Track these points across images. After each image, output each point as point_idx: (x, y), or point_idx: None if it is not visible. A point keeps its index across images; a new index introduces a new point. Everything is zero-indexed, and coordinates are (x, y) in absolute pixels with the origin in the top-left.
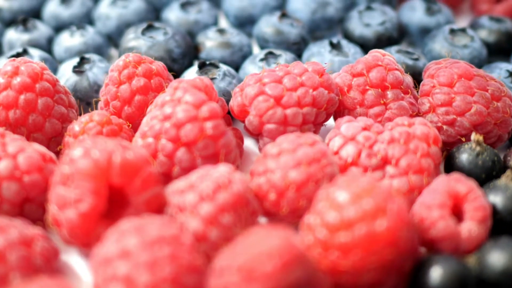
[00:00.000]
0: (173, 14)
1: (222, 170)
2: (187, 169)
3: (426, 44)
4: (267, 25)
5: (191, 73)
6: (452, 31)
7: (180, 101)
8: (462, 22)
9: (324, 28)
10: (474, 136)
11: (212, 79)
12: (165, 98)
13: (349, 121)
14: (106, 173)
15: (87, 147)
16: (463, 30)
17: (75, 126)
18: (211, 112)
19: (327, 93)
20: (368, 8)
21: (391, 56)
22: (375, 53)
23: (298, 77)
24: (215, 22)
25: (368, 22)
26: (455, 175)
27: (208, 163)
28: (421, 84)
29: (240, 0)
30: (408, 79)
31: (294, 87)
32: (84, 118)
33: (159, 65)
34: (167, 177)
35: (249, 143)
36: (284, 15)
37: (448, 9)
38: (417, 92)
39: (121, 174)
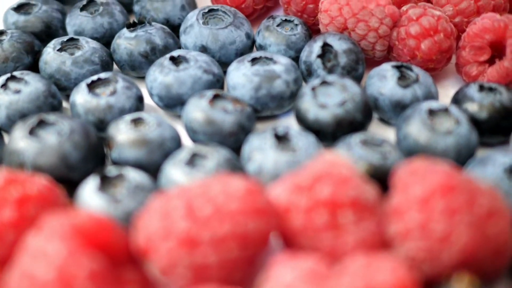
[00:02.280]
0: (80, 97)
1: None
2: None
3: (400, 127)
4: (196, 111)
5: (90, 188)
6: (432, 112)
7: (48, 255)
8: (447, 89)
9: (272, 107)
10: (460, 277)
11: (116, 200)
12: (33, 245)
13: (287, 261)
14: None
15: None
16: (445, 110)
17: None
18: (90, 275)
19: (258, 223)
20: (324, 83)
21: (348, 160)
22: (327, 156)
23: (219, 200)
24: (136, 106)
25: (324, 101)
26: None
27: None
28: (389, 196)
29: (165, 74)
30: (372, 193)
31: (213, 217)
32: None
33: (42, 185)
34: None
35: None
36: (217, 97)
37: (427, 75)
38: (386, 206)
39: None
